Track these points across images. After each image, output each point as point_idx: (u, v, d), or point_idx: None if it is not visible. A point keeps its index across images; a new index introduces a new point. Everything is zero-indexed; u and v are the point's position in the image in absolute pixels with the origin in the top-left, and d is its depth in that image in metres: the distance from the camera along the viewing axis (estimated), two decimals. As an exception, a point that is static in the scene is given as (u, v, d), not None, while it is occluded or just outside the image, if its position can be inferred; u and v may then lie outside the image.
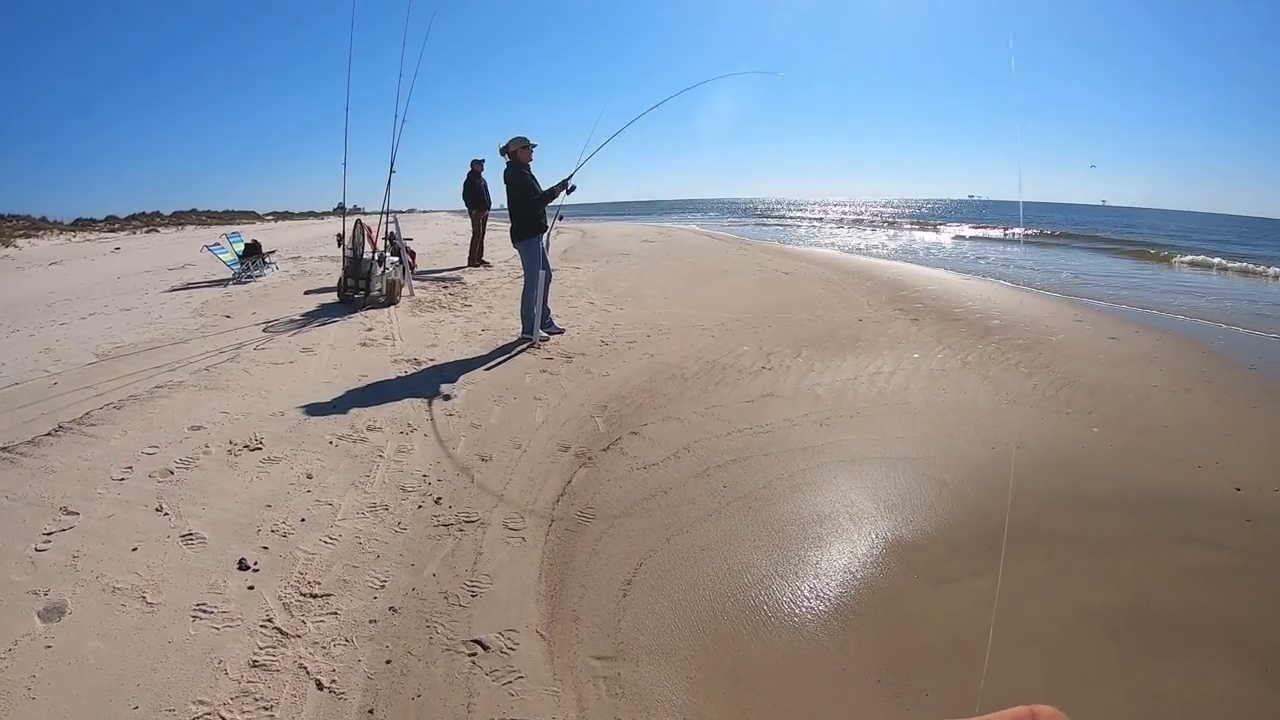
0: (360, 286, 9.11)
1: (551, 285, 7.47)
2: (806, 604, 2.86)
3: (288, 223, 36.21)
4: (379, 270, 9.20)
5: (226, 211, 38.65)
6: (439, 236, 22.16)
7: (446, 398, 5.24)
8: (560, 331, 7.50)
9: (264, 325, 7.71)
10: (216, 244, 11.59)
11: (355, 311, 8.55)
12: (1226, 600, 2.92)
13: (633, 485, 3.93)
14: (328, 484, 3.74)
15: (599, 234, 24.80)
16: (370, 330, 7.49)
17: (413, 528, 3.34)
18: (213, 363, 6.02)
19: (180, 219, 33.40)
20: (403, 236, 10.00)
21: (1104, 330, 7.99)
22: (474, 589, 2.87)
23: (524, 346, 6.86)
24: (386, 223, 9.66)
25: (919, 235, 29.93)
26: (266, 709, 2.15)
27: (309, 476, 3.81)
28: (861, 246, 22.50)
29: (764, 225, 39.06)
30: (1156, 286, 13.10)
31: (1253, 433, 4.76)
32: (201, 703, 2.16)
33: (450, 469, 4.01)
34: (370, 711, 2.18)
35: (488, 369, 6.09)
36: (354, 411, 4.85)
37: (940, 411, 5.12)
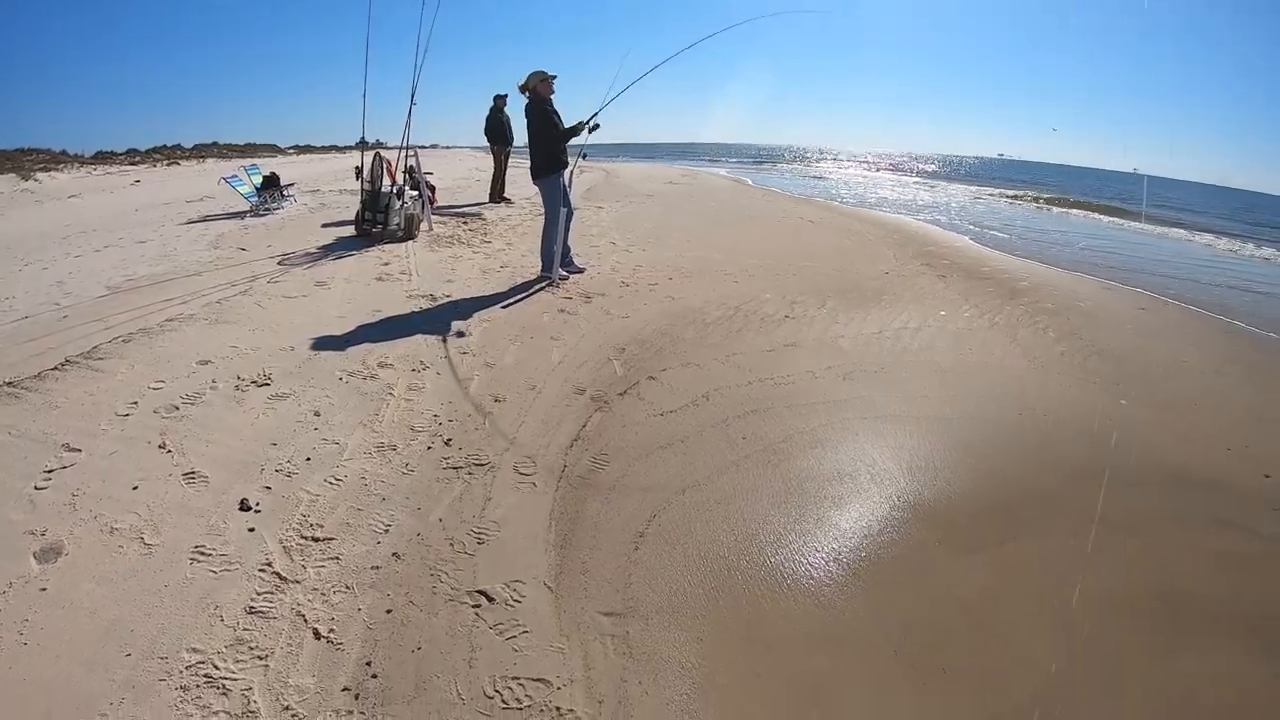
0: (378, 220, 8.93)
1: (573, 224, 7.27)
2: (824, 567, 2.75)
3: (309, 156, 35.77)
4: (397, 204, 9.00)
5: (248, 144, 38.02)
6: (461, 172, 21.76)
7: (461, 335, 5.12)
8: (580, 271, 7.33)
9: (279, 258, 7.56)
10: (234, 176, 11.37)
11: (372, 246, 8.39)
12: (1259, 587, 2.81)
13: (649, 433, 3.81)
14: (335, 422, 3.64)
15: (622, 174, 24.36)
16: (386, 265, 7.34)
17: (420, 470, 3.24)
18: (225, 296, 5.91)
19: (201, 152, 32.97)
20: (422, 171, 9.78)
21: (1133, 301, 7.71)
22: (481, 536, 2.77)
23: (543, 285, 6.71)
24: (406, 157, 9.43)
25: (947, 192, 28.91)
26: (261, 659, 2.07)
27: (316, 414, 3.72)
28: (888, 200, 21.90)
29: (789, 174, 38.02)
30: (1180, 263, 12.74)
31: (1283, 418, 4.62)
32: (195, 650, 2.08)
33: (462, 409, 3.90)
34: (368, 664, 2.10)
35: (505, 307, 5.95)
36: (366, 347, 4.74)
37: (967, 372, 4.95)
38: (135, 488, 2.93)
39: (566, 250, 7.17)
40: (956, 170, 57.31)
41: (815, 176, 35.59)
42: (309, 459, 3.25)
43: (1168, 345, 6.03)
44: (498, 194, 13.20)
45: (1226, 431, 4.24)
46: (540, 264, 7.09)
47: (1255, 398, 4.91)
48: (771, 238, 10.48)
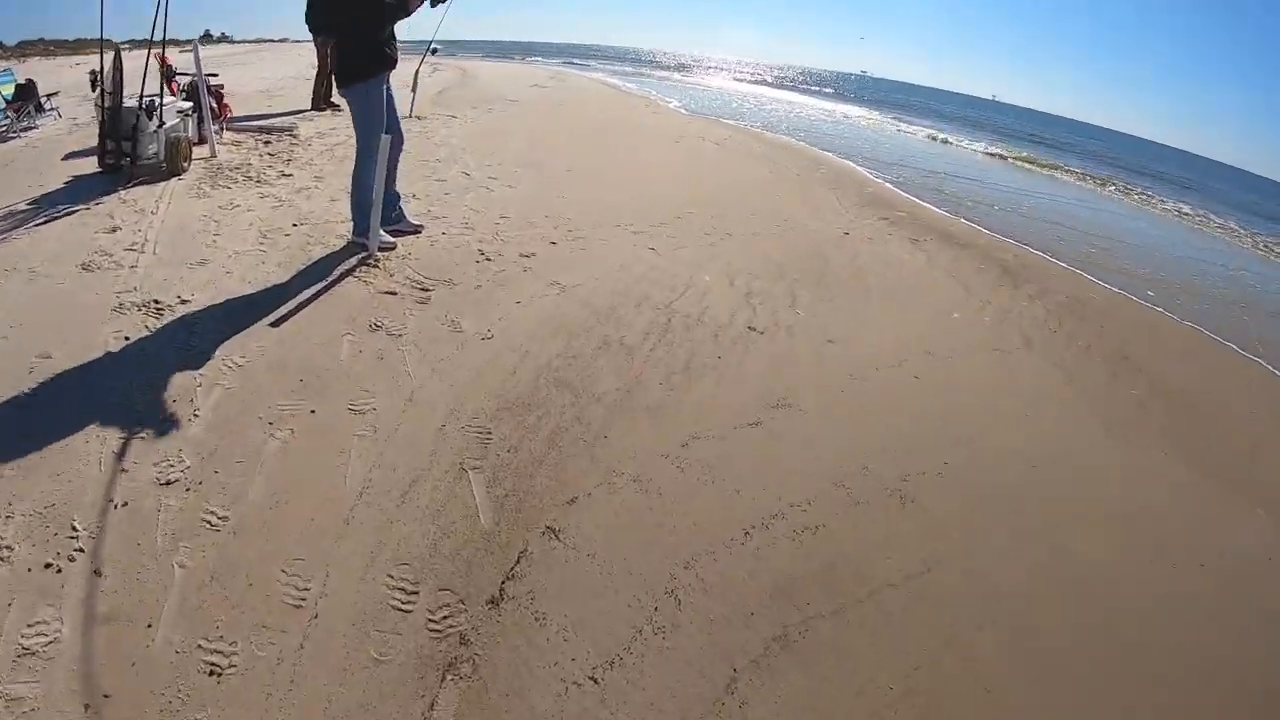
0: (124, 151, 5.72)
1: (406, 151, 4.64)
2: None
3: (145, 52, 29.61)
4: (150, 125, 5.73)
5: (78, 40, 31.52)
6: (291, 70, 16.76)
7: (174, 422, 2.55)
8: (415, 231, 4.74)
9: (-41, 226, 4.36)
10: (-27, 86, 7.53)
11: (114, 190, 5.27)
12: None
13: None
14: None
15: (480, 74, 20.50)
16: (113, 232, 4.34)
17: None
18: None
19: (25, 49, 26.72)
20: (202, 73, 6.46)
21: (1132, 292, 5.95)
22: None
23: (353, 262, 4.12)
24: (162, 54, 6.11)
25: (841, 111, 26.42)
26: None
27: None
28: (783, 120, 19.23)
29: (661, 79, 34.21)
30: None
31: None
32: None
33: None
34: None
35: (276, 324, 3.34)
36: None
37: (1079, 477, 3.06)
38: None
39: (394, 199, 4.55)
40: (839, 90, 53.79)
41: (688, 85, 32.31)
42: None
43: (1226, 388, 4.37)
44: (323, 99, 9.95)
45: None
46: (353, 221, 4.45)
47: None
48: (677, 168, 8.09)
